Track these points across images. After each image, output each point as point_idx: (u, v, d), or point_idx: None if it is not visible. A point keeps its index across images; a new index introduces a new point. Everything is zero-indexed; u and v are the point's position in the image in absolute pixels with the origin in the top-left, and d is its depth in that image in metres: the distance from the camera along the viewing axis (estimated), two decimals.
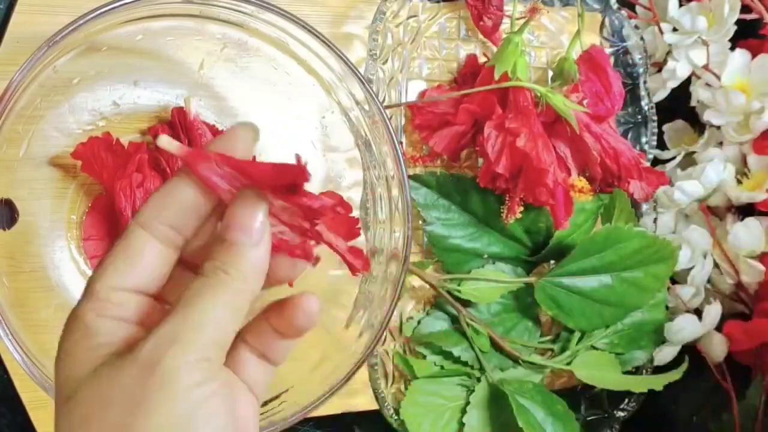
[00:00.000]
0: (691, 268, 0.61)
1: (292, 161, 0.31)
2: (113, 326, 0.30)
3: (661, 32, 0.62)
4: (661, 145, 0.66)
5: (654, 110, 0.63)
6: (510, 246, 0.58)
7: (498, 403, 0.55)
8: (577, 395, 0.62)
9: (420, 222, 0.57)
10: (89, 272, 0.48)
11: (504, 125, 0.52)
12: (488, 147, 0.53)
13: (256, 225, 0.30)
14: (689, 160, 0.65)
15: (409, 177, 0.55)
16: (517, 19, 0.56)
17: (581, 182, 0.55)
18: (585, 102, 0.56)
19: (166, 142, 0.30)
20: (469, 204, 0.57)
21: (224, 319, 0.29)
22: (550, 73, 0.62)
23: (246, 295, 0.30)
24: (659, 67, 0.64)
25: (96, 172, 0.46)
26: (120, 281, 0.30)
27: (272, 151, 0.52)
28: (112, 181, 0.46)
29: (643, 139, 0.63)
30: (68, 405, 0.28)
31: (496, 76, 0.54)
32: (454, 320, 0.57)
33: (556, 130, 0.55)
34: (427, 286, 0.57)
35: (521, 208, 0.54)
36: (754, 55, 0.60)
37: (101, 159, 0.45)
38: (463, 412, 0.56)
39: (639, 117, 0.63)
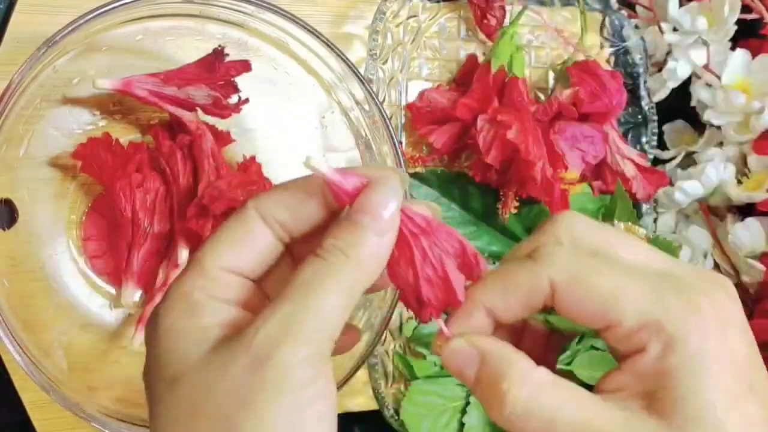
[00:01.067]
0: None
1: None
2: (219, 307, 0.29)
3: (662, 32, 0.62)
4: (661, 145, 0.66)
5: (654, 110, 0.63)
6: (510, 245, 0.58)
7: None
8: None
9: None
10: (89, 272, 0.48)
11: (496, 118, 0.53)
12: (480, 138, 0.53)
13: (386, 214, 0.29)
14: (689, 160, 0.65)
15: (410, 175, 0.55)
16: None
17: (571, 174, 0.55)
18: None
19: (315, 164, 0.30)
20: (470, 202, 0.57)
21: (339, 308, 0.28)
22: (551, 73, 0.62)
23: (361, 284, 0.28)
24: (659, 67, 0.64)
25: (96, 172, 0.46)
26: (231, 261, 0.29)
27: (272, 151, 0.52)
28: (112, 181, 0.46)
29: (643, 139, 0.63)
30: (174, 389, 0.27)
31: (493, 70, 0.54)
32: None
33: (556, 128, 0.55)
34: None
35: (516, 203, 0.55)
36: (754, 55, 0.60)
37: (101, 159, 0.45)
38: (463, 412, 0.56)
39: (639, 117, 0.63)
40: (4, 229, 0.46)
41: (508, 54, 0.54)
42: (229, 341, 0.27)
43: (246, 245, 0.29)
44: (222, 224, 0.30)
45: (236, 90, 0.46)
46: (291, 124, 0.53)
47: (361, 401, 0.56)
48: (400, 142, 0.57)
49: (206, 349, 0.27)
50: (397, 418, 0.55)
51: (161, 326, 0.28)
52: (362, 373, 0.54)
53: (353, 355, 0.49)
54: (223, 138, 0.49)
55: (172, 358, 0.28)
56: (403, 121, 0.57)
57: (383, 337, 0.50)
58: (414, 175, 0.56)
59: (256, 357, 0.26)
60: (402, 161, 0.49)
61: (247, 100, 0.47)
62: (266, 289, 0.31)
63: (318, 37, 0.48)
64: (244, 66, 0.46)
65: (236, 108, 0.47)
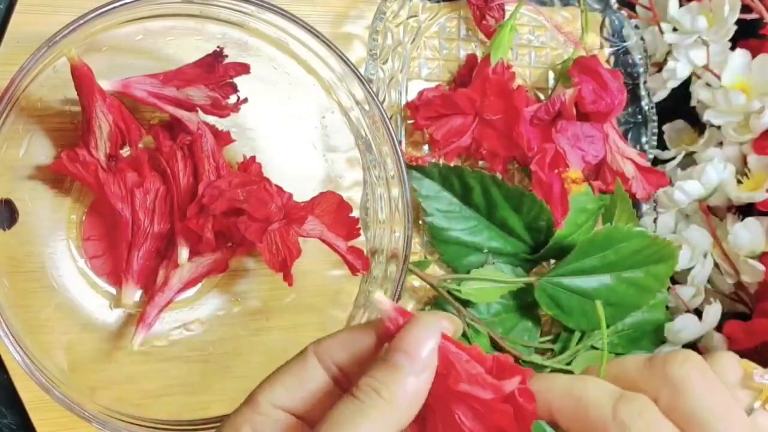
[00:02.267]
0: (691, 268, 0.61)
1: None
2: None
3: (661, 32, 0.62)
4: (661, 145, 0.66)
5: (654, 110, 0.63)
6: (511, 242, 0.58)
7: None
8: None
9: (420, 213, 0.57)
10: (89, 272, 0.48)
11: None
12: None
13: (423, 353, 0.29)
14: (689, 160, 0.65)
15: (412, 167, 0.55)
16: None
17: (575, 173, 0.55)
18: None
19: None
20: (471, 197, 0.57)
21: None
22: (551, 73, 0.62)
23: (396, 424, 0.29)
24: (659, 67, 0.64)
25: (84, 180, 0.46)
26: (284, 400, 0.31)
27: (272, 151, 0.52)
28: (101, 187, 0.45)
29: (643, 139, 0.63)
30: None
31: (492, 63, 0.54)
32: None
33: (558, 127, 0.55)
34: (427, 286, 0.57)
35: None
36: (754, 55, 0.60)
37: (78, 171, 0.45)
38: None
39: (639, 117, 0.63)
40: (4, 229, 0.46)
41: (507, 48, 0.54)
42: None
43: (301, 387, 0.31)
44: (282, 365, 0.32)
45: (235, 90, 0.47)
46: (291, 124, 0.53)
47: None
48: (400, 142, 0.57)
49: None
50: None
51: None
52: None
53: None
54: (223, 138, 0.49)
55: None
56: (408, 121, 0.57)
57: None
58: (416, 168, 0.56)
59: None
60: (402, 161, 0.49)
61: (245, 100, 0.47)
62: (310, 418, 0.31)
63: (318, 37, 0.48)
64: (243, 68, 0.46)
65: (235, 108, 0.47)
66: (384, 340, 0.31)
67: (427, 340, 0.29)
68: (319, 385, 0.31)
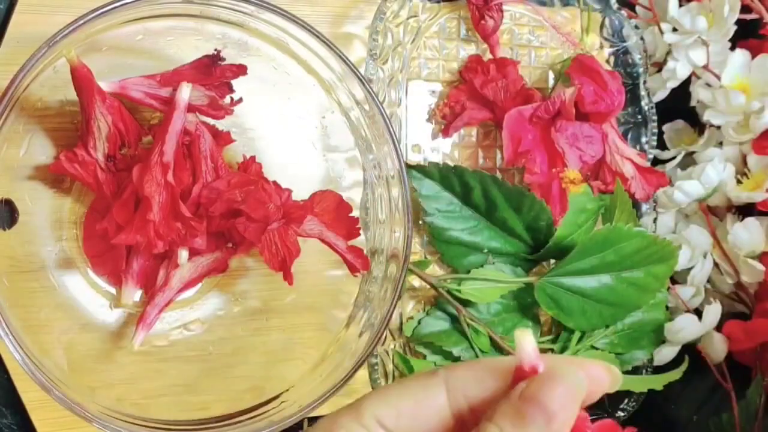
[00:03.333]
0: (691, 268, 0.61)
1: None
2: None
3: (661, 32, 0.62)
4: (661, 145, 0.66)
5: (654, 110, 0.63)
6: (510, 242, 0.58)
7: None
8: None
9: (420, 213, 0.57)
10: (89, 272, 0.48)
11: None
12: None
13: (562, 415, 0.26)
14: (689, 160, 0.65)
15: (412, 167, 0.55)
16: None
17: (573, 174, 0.55)
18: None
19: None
20: (471, 197, 0.57)
21: None
22: (551, 74, 0.62)
23: None
24: (659, 67, 0.64)
25: (82, 180, 0.46)
26: (391, 420, 0.28)
27: (272, 151, 0.52)
28: (100, 187, 0.45)
29: (643, 139, 0.63)
30: None
31: None
32: (454, 320, 0.57)
33: (557, 126, 0.55)
34: (427, 286, 0.57)
35: None
36: (754, 55, 0.60)
37: (76, 171, 0.45)
38: None
39: (639, 117, 0.63)
40: (4, 229, 0.46)
41: None
42: None
43: (416, 413, 0.28)
44: (403, 380, 0.29)
45: (231, 90, 0.47)
46: (291, 124, 0.53)
47: None
48: (400, 142, 0.57)
49: None
50: None
51: None
52: (362, 373, 0.54)
53: (353, 355, 0.49)
54: (223, 138, 0.49)
55: None
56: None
57: (383, 337, 0.50)
58: (416, 167, 0.56)
59: None
60: (402, 161, 0.49)
61: (240, 100, 0.47)
62: None
63: (318, 37, 0.48)
64: (241, 69, 0.46)
65: (230, 109, 0.47)
66: (515, 381, 0.27)
67: (571, 400, 0.26)
68: (438, 416, 0.28)
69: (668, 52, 0.63)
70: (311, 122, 0.53)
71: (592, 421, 0.28)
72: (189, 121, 0.46)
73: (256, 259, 0.52)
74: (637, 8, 0.65)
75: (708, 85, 0.62)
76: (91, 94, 0.43)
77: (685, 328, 0.59)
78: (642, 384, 0.59)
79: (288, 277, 0.47)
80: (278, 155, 0.52)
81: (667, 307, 0.62)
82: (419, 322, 0.57)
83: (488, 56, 0.59)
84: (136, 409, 0.46)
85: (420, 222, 0.57)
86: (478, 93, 0.57)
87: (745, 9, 0.60)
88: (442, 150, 0.59)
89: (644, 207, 0.63)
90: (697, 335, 0.59)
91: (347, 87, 0.50)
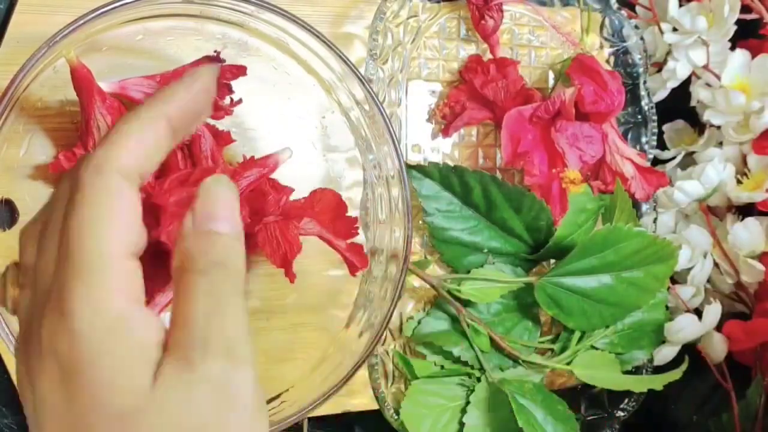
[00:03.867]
0: (691, 268, 0.61)
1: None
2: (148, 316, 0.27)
3: (661, 32, 0.62)
4: (661, 145, 0.66)
5: (654, 110, 0.63)
6: (510, 242, 0.58)
7: (498, 403, 0.55)
8: (577, 395, 0.62)
9: (420, 213, 0.57)
10: None
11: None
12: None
13: (224, 211, 0.28)
14: (689, 160, 0.65)
15: (412, 167, 0.55)
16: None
17: (573, 174, 0.55)
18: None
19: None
20: (471, 197, 0.57)
21: (245, 311, 0.28)
22: (551, 74, 0.62)
23: (242, 284, 0.29)
24: (659, 67, 0.64)
25: None
26: (125, 242, 0.27)
27: (272, 151, 0.52)
28: None
29: (643, 139, 0.63)
30: (126, 425, 0.25)
31: None
32: (454, 320, 0.57)
33: (557, 126, 0.55)
34: (427, 286, 0.57)
35: None
36: (754, 55, 0.60)
37: None
38: (463, 412, 0.56)
39: (639, 117, 0.63)
40: (4, 229, 0.46)
41: None
42: (175, 368, 0.26)
43: (130, 218, 0.27)
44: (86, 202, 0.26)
45: (230, 91, 0.46)
46: (291, 124, 0.53)
47: (361, 401, 0.56)
48: (400, 142, 0.57)
49: (155, 380, 0.25)
50: (397, 418, 0.55)
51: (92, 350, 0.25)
52: (362, 373, 0.54)
53: (353, 355, 0.49)
54: (223, 138, 0.49)
55: (116, 387, 0.25)
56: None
57: (383, 337, 0.50)
58: (416, 167, 0.56)
59: (217, 388, 0.26)
60: (402, 161, 0.49)
61: (240, 101, 0.47)
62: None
63: (318, 37, 0.48)
64: (240, 70, 0.46)
65: (229, 109, 0.47)
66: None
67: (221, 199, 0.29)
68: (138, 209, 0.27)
69: (668, 52, 0.63)
70: (311, 122, 0.53)
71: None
72: None
73: (256, 259, 0.52)
74: (637, 8, 0.66)
75: (708, 85, 0.62)
76: (90, 95, 0.43)
77: (685, 328, 0.59)
78: (642, 384, 0.59)
79: (290, 273, 0.47)
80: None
81: (667, 307, 0.62)
82: (419, 322, 0.57)
83: (488, 56, 0.59)
84: None
85: (420, 222, 0.57)
86: (478, 93, 0.57)
87: (745, 9, 0.60)
88: (442, 150, 0.59)
89: (644, 207, 0.63)
90: (697, 335, 0.59)
91: (347, 87, 0.50)
